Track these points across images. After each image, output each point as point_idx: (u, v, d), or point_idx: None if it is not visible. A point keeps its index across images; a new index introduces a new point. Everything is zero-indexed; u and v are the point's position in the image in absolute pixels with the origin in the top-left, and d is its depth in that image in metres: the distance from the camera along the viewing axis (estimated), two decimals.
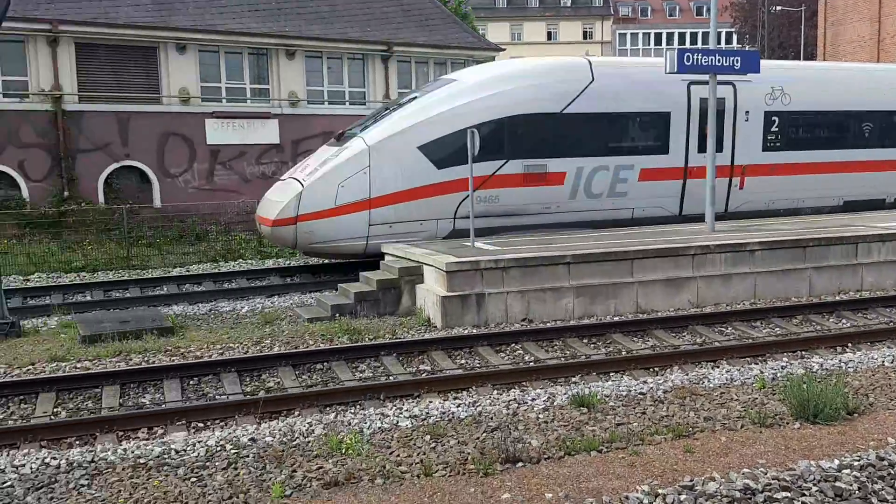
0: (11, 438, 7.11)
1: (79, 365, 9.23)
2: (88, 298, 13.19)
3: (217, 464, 6.08)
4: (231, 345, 10.08)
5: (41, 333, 10.84)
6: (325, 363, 9.38)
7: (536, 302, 11.31)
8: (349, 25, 23.09)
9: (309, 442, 6.51)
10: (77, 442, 7.16)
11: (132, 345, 9.93)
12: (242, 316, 11.93)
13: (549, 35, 77.24)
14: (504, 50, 26.41)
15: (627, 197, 15.22)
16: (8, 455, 6.55)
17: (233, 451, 6.32)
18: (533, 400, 7.53)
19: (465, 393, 8.36)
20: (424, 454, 6.17)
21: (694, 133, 15.58)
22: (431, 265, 11.48)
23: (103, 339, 10.18)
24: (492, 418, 6.99)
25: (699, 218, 15.15)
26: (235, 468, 6.00)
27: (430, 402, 7.80)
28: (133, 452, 6.31)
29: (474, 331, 10.68)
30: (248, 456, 6.24)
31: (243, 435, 6.70)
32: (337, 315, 11.43)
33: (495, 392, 8.23)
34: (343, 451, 6.22)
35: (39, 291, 13.65)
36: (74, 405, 8.16)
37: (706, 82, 14.95)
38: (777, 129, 16.49)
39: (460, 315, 10.96)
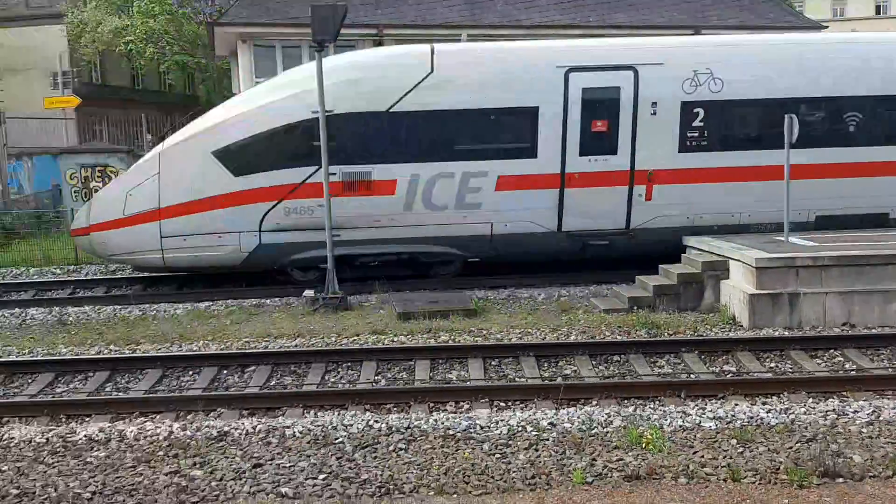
0: (341, 400, 7.99)
1: (395, 339, 10.10)
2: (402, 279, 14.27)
3: (519, 443, 6.32)
4: (529, 330, 10.38)
5: (364, 308, 12.01)
6: (623, 355, 9.31)
7: (861, 305, 10.20)
8: (653, 11, 22.52)
9: (608, 432, 6.52)
10: (395, 409, 7.85)
11: (440, 323, 10.63)
12: (539, 303, 12.20)
13: (878, 9, 68.73)
14: (826, 27, 24.06)
15: (482, 209, 12.81)
16: (339, 415, 7.38)
17: (533, 433, 6.53)
18: (855, 412, 6.84)
19: (774, 398, 7.80)
20: (731, 458, 5.90)
21: (574, 132, 12.70)
22: (739, 260, 10.85)
23: (416, 316, 11.02)
24: (806, 428, 6.47)
25: (588, 235, 13.04)
26: (537, 450, 6.19)
27: (736, 404, 7.42)
28: (443, 423, 6.78)
29: (786, 333, 9.92)
30: (548, 439, 6.41)
31: (543, 418, 6.88)
32: (634, 307, 11.26)
33: (810, 400, 7.59)
34: (643, 445, 6.15)
35: (362, 271, 15.08)
36: (392, 375, 8.95)
37: (590, 68, 12.68)
38: (702, 124, 12.85)
39: (770, 315, 10.24)
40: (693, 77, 12.73)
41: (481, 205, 12.79)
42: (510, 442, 6.36)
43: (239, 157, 12.36)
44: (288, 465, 5.98)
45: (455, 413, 7.49)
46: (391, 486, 5.54)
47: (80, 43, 30.85)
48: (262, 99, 12.70)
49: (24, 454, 6.36)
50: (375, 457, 6.11)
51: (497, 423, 6.78)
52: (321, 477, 5.73)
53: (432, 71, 12.45)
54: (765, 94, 12.87)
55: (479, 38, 21.13)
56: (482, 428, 6.68)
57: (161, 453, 6.30)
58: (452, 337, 10.11)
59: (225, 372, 9.19)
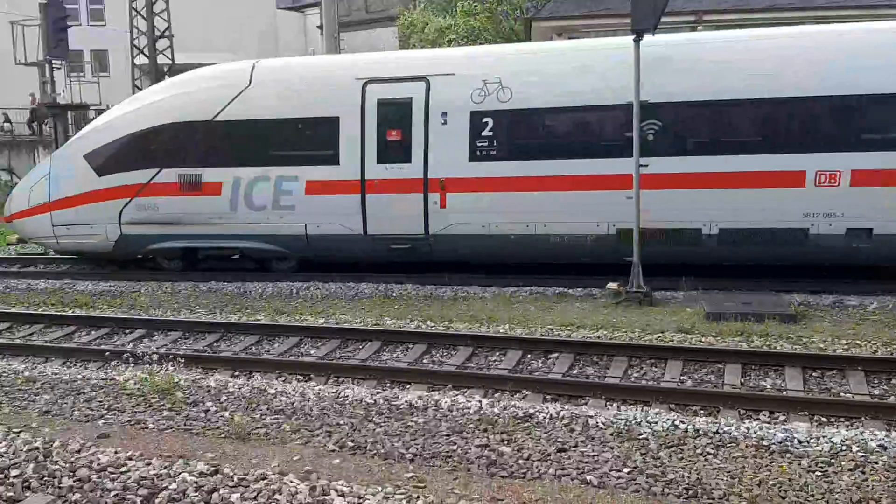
0: (645, 396, 7.89)
1: (703, 339, 9.72)
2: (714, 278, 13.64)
3: (843, 463, 5.78)
4: (857, 341, 9.42)
5: (669, 305, 11.71)
6: None
7: None
8: None
9: None
10: (702, 411, 7.57)
11: (753, 327, 10.04)
12: (870, 312, 11.00)
13: None
14: None
15: (296, 212, 13.70)
16: (643, 411, 7.30)
17: (860, 454, 5.93)
18: None
19: None
20: None
21: (371, 141, 13.29)
22: None
23: (725, 317, 10.51)
24: None
25: (391, 240, 13.51)
26: (863, 472, 5.62)
27: None
28: (755, 433, 6.40)
29: None
30: (877, 462, 5.78)
31: (871, 440, 6.22)
32: None
33: None
34: None
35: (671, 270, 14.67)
36: (698, 376, 8.64)
37: (385, 80, 13.30)
38: (491, 134, 12.79)
39: None
40: (482, 87, 12.83)
41: (295, 207, 13.71)
42: (832, 461, 5.84)
43: (101, 160, 14.37)
44: (592, 454, 6.04)
45: (769, 423, 7.04)
46: (699, 490, 5.36)
47: (409, 43, 33.59)
48: (122, 109, 14.74)
49: (356, 412, 7.13)
50: (681, 458, 5.95)
51: (818, 439, 6.25)
52: (625, 470, 5.71)
53: (250, 84, 13.76)
54: (558, 103, 12.62)
55: (807, 21, 19.47)
56: (800, 442, 6.20)
57: (472, 426, 6.70)
58: (767, 342, 9.49)
59: (529, 356, 9.51)
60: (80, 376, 8.64)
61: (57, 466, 5.80)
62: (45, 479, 5.64)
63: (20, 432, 6.53)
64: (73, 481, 5.58)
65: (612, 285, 12.25)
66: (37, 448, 6.13)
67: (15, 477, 5.68)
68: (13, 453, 6.07)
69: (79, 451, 6.07)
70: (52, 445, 6.17)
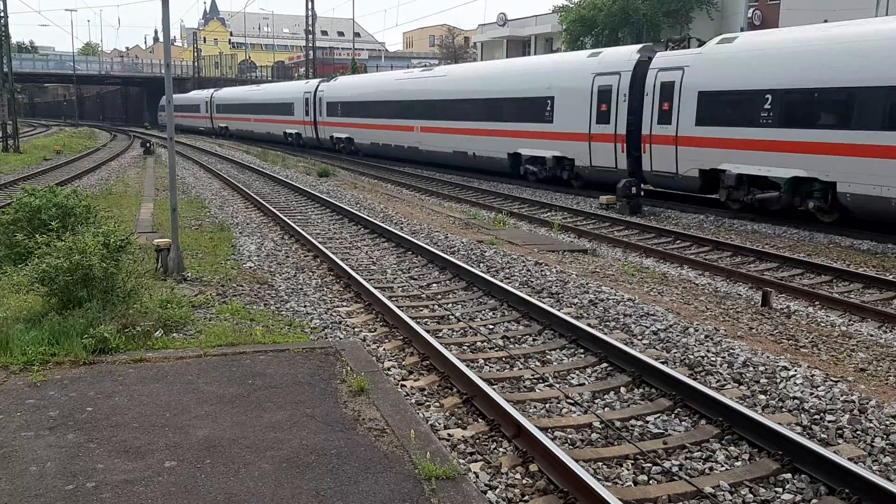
0: None
1: None
2: None
3: None
4: None
5: None
6: None
7: None
8: None
9: None
10: None
11: None
12: None
13: None
14: None
15: None
16: None
17: None
18: None
19: None
20: None
21: None
22: None
23: None
24: None
25: None
26: None
27: None
28: None
29: None
30: None
31: None
32: None
33: None
34: None
35: None
36: None
37: None
38: None
39: None
40: None
41: None
42: None
43: None
44: None
45: None
46: None
47: None
48: None
49: None
50: None
51: None
52: None
53: None
54: None
55: None
56: None
57: None
58: None
59: None
60: (895, 342, 8.49)
61: (871, 425, 5.89)
62: (858, 432, 5.79)
63: (837, 382, 6.80)
64: (886, 444, 5.60)
65: None
66: (852, 401, 6.32)
67: (829, 422, 5.99)
68: (829, 399, 6.40)
69: (894, 417, 6.01)
70: (867, 403, 6.27)
